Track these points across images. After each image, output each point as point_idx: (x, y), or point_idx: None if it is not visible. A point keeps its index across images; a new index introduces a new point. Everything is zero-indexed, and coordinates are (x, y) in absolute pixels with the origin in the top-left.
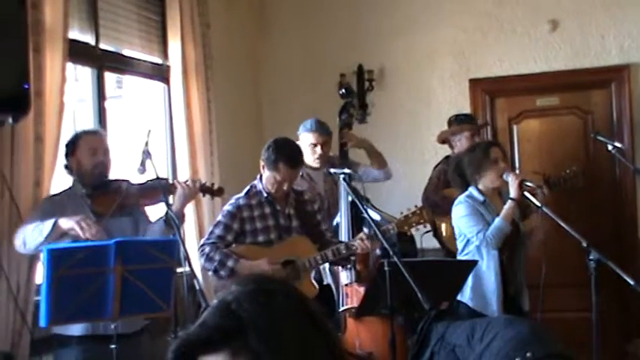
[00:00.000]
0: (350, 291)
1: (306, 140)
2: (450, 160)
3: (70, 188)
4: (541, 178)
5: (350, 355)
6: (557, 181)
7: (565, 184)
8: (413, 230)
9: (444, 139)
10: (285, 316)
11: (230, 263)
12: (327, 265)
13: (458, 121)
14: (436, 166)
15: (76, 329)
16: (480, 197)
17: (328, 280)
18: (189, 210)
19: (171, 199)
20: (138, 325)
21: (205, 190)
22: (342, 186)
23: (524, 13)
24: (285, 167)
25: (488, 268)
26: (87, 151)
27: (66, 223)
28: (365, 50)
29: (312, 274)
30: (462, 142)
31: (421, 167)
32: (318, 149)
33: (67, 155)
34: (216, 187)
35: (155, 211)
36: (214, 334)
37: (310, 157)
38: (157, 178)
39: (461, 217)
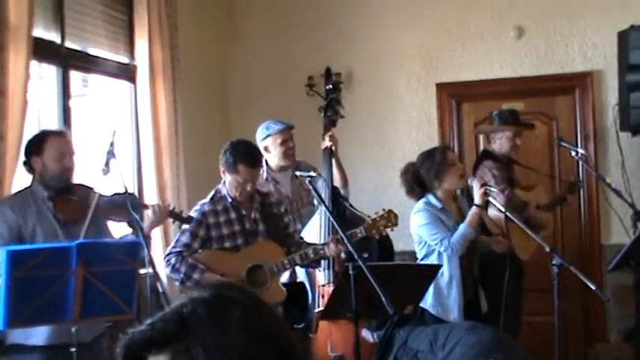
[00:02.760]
0: (326, 292)
1: (276, 140)
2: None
3: (28, 188)
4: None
5: None
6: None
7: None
8: (382, 233)
9: (482, 133)
10: (234, 330)
11: (196, 276)
12: None
13: (502, 118)
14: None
15: (37, 339)
16: (438, 204)
17: (302, 277)
18: None
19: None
20: (97, 330)
21: (175, 216)
22: (322, 187)
23: (491, 19)
24: (244, 168)
25: (449, 275)
26: (55, 154)
27: None
28: (333, 53)
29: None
30: (501, 142)
31: (388, 170)
32: (290, 144)
33: (30, 154)
34: (185, 214)
35: (119, 229)
36: (157, 336)
37: (281, 156)
38: (127, 193)
39: (421, 226)
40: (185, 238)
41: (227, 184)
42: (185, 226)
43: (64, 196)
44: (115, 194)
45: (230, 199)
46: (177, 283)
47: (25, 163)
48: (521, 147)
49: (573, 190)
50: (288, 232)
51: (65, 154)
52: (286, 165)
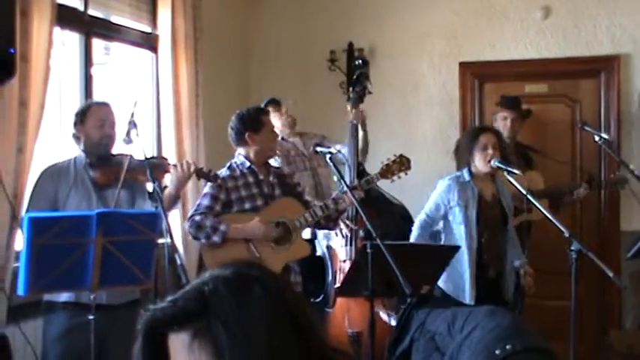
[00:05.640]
0: (345, 268)
1: (275, 119)
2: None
3: (76, 158)
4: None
5: (335, 352)
6: (601, 183)
7: (608, 186)
8: (398, 176)
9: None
10: (255, 307)
11: (222, 227)
12: (320, 237)
13: (498, 101)
14: None
15: (65, 295)
16: (467, 177)
17: (322, 252)
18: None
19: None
20: (128, 296)
21: (202, 174)
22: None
23: None
24: (251, 135)
25: (462, 252)
26: (95, 122)
27: None
28: (356, 28)
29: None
30: (497, 124)
31: (408, 148)
32: (285, 116)
33: (75, 124)
34: (212, 173)
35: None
36: (179, 313)
37: (284, 126)
38: (157, 157)
39: (433, 193)
40: (207, 201)
41: (242, 155)
42: (206, 190)
43: (103, 162)
44: (147, 158)
45: (247, 165)
46: (202, 241)
47: (73, 136)
48: (518, 131)
49: (592, 186)
50: (303, 200)
51: (105, 122)
52: (289, 132)
